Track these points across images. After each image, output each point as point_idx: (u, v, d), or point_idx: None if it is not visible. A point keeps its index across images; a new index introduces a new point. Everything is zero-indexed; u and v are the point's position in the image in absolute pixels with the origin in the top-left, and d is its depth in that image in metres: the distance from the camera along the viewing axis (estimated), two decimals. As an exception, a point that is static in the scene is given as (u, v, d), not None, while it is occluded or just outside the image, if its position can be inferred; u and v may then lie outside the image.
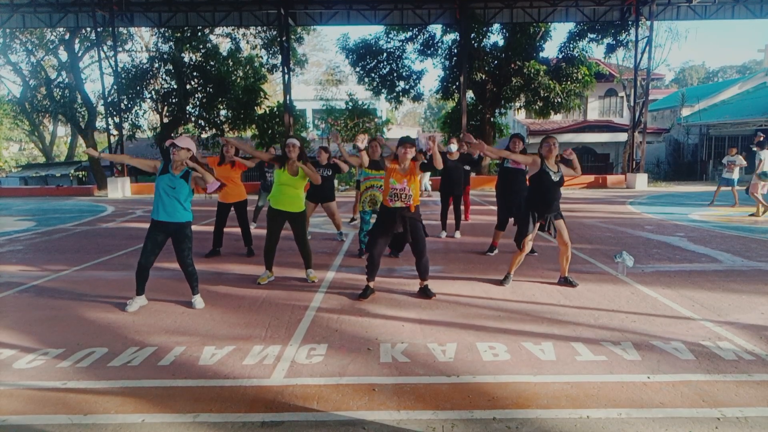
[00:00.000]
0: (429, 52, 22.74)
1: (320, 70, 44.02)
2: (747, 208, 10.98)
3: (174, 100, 23.94)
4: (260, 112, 24.33)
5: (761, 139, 10.27)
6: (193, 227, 4.65)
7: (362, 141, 4.91)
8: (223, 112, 24.81)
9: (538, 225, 5.06)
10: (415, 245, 4.73)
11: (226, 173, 6.69)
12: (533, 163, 5.04)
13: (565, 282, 5.20)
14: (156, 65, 23.94)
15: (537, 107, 21.72)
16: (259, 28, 23.13)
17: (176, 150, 4.29)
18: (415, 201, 4.69)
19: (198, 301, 4.56)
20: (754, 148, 10.33)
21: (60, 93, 24.08)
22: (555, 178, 4.94)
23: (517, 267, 5.31)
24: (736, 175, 12.03)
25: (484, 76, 21.67)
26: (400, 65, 23.02)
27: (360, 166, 5.59)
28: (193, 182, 4.42)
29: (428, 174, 16.16)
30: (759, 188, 10.06)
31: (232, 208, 6.87)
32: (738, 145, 26.19)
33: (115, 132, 21.84)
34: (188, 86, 23.90)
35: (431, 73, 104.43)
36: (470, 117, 21.98)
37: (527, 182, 6.62)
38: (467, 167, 8.26)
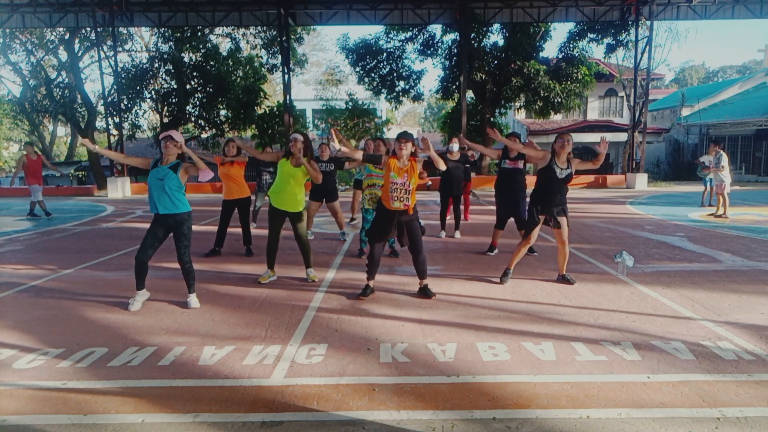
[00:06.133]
0: (429, 52, 22.73)
1: (320, 70, 44.00)
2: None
3: (174, 100, 23.93)
4: (260, 112, 24.32)
5: None
6: (194, 227, 4.65)
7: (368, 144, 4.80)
8: (223, 112, 24.81)
9: (543, 218, 5.08)
10: (412, 244, 4.73)
11: (228, 172, 6.71)
12: (543, 158, 5.06)
13: (563, 280, 5.23)
14: (156, 65, 23.93)
15: (537, 107, 21.71)
16: (259, 28, 23.12)
17: (169, 143, 4.33)
18: (413, 200, 4.68)
19: (193, 300, 4.56)
20: None
21: (60, 93, 24.06)
22: (560, 175, 4.95)
23: (517, 263, 5.32)
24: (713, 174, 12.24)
25: (484, 76, 21.66)
26: (400, 65, 23.01)
27: (357, 161, 5.54)
28: (184, 173, 4.42)
29: None
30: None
31: (236, 206, 6.88)
32: (738, 145, 26.32)
33: (115, 132, 21.84)
34: (188, 86, 23.88)
35: (431, 73, 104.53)
36: (470, 117, 21.97)
37: (525, 180, 6.67)
38: (467, 166, 8.29)
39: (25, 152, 11.33)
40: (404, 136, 4.66)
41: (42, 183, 11.69)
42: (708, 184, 12.41)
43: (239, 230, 7.01)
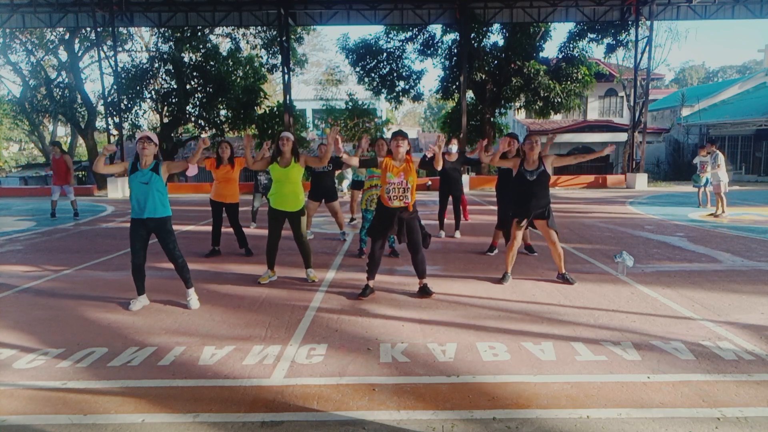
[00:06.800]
0: (429, 52, 22.73)
1: (320, 70, 43.97)
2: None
3: (174, 100, 23.93)
4: (260, 112, 24.33)
5: None
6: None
7: (364, 142, 4.92)
8: (223, 112, 24.81)
9: (525, 222, 5.11)
10: (410, 240, 4.74)
11: (226, 173, 6.70)
12: (514, 165, 5.18)
13: (563, 279, 5.23)
14: (156, 65, 23.93)
15: (537, 107, 21.72)
16: (259, 28, 23.11)
17: (148, 144, 4.31)
18: (413, 198, 4.69)
19: (193, 299, 4.54)
20: None
21: (60, 93, 24.06)
22: (531, 177, 5.00)
23: (513, 263, 5.33)
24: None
25: (484, 76, 21.66)
26: (400, 65, 23.01)
27: (351, 167, 5.59)
28: (166, 169, 4.43)
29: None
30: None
31: (224, 208, 6.84)
32: (738, 145, 26.34)
33: (115, 132, 21.84)
34: (188, 86, 23.88)
35: (431, 73, 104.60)
36: (470, 117, 21.97)
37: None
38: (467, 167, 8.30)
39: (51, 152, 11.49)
40: (400, 134, 4.69)
41: (66, 182, 11.39)
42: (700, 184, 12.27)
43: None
